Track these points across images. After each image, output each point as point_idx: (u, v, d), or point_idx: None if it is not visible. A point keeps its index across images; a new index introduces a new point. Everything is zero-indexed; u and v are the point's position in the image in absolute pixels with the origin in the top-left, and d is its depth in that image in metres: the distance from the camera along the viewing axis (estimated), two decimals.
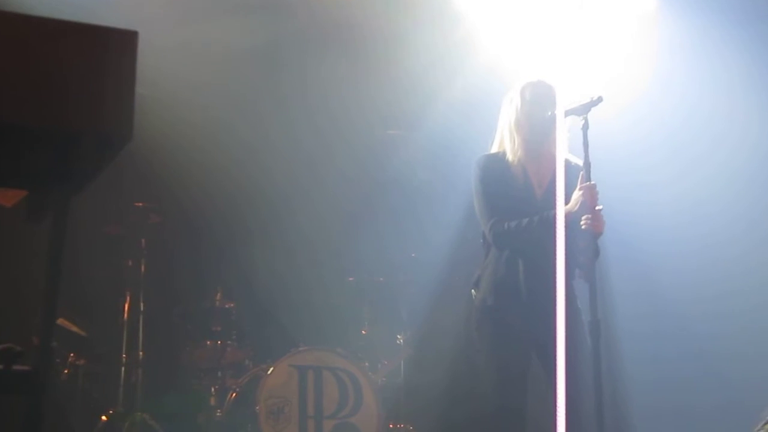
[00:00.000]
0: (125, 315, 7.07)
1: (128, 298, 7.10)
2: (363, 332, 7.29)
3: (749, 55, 7.06)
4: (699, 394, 7.06)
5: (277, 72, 7.82)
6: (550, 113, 4.82)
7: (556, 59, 5.78)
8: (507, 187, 4.98)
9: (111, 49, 2.02)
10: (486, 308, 4.99)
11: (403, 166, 7.73)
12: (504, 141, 5.08)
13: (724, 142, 7.15)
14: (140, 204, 7.13)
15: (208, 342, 7.09)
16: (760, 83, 7.07)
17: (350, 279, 7.46)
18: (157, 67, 6.38)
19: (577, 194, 4.69)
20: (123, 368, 7.01)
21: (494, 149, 5.14)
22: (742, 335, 6.99)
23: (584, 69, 6.47)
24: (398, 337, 7.28)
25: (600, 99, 4.54)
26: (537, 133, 4.96)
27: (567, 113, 4.69)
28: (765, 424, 4.86)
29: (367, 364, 7.02)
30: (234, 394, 6.81)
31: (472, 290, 5.12)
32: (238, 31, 7.38)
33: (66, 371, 6.75)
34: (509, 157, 5.01)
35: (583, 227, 4.62)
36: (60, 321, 6.56)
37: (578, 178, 4.70)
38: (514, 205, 4.94)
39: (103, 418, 6.81)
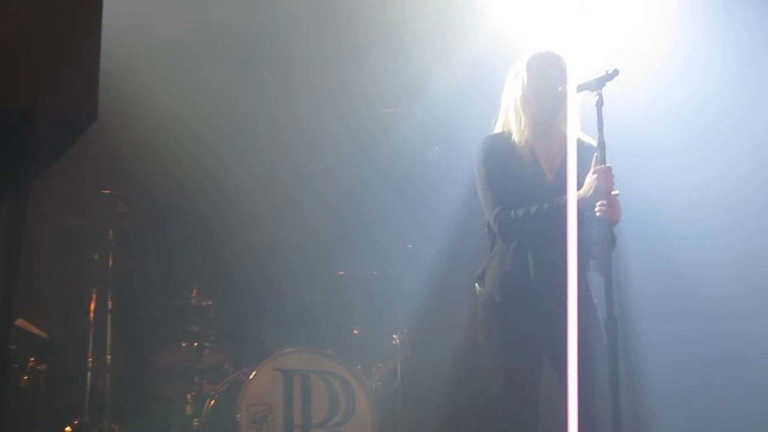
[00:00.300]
0: (91, 315, 7.07)
1: (94, 296, 7.10)
2: (355, 332, 7.31)
3: None
4: (729, 403, 7.05)
5: (256, 51, 7.82)
6: (560, 88, 4.81)
7: (568, 27, 5.77)
8: (514, 170, 4.95)
9: (72, 15, 2.00)
10: (492, 305, 4.97)
11: (402, 145, 7.72)
12: (509, 120, 5.06)
13: (758, 115, 7.14)
14: (107, 191, 7.13)
15: (184, 344, 7.11)
16: None
17: (341, 273, 7.47)
18: (126, 40, 6.38)
19: (590, 178, 4.68)
20: (89, 374, 7.01)
21: (498, 129, 5.12)
22: None
23: (598, 38, 6.48)
24: (394, 337, 7.28)
25: (616, 72, 4.53)
26: (546, 111, 4.94)
27: (579, 88, 4.67)
28: None
29: (359, 367, 7.03)
30: (212, 402, 6.82)
31: (477, 285, 5.10)
32: (216, 5, 7.39)
33: (26, 377, 6.74)
34: (515, 137, 4.99)
35: (597, 214, 4.61)
36: (18, 322, 6.56)
37: (592, 160, 4.69)
38: (522, 191, 4.91)
39: (68, 429, 6.82)
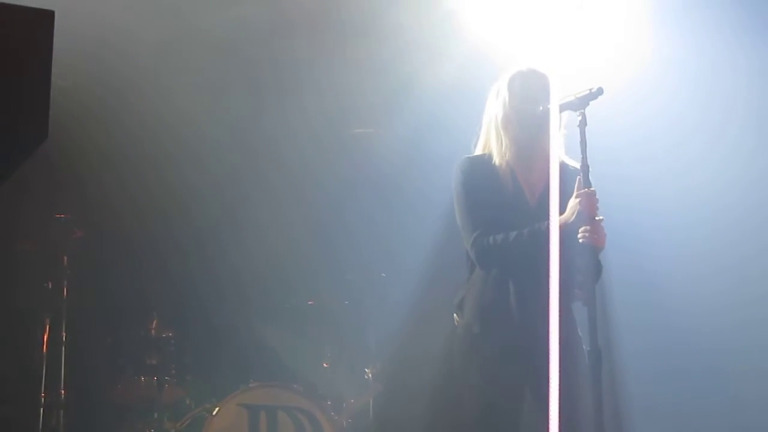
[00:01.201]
0: (44, 347, 7.03)
1: (47, 327, 7.06)
2: (324, 365, 7.28)
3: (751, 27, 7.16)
4: (714, 421, 7.13)
5: (224, 65, 7.81)
6: (542, 108, 4.82)
7: (551, 44, 5.79)
8: (494, 194, 4.95)
9: (23, 30, 2.00)
10: (471, 336, 4.96)
11: (374, 169, 7.73)
12: (490, 141, 5.07)
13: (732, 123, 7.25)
14: (61, 215, 7.09)
15: (142, 378, 7.06)
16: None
17: (309, 303, 7.45)
18: (81, 54, 6.36)
19: (573, 202, 4.68)
20: (41, 410, 6.96)
21: (479, 150, 5.13)
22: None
23: (581, 56, 6.51)
24: (366, 370, 7.28)
25: (600, 91, 4.55)
26: (528, 132, 4.95)
27: (561, 108, 4.68)
28: None
29: (329, 402, 7.01)
30: None
31: (455, 315, 5.10)
32: (178, 16, 7.38)
33: None
34: (496, 159, 4.99)
35: (580, 240, 4.62)
36: None
37: (575, 183, 4.69)
38: (503, 216, 4.91)
39: None
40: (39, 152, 2.10)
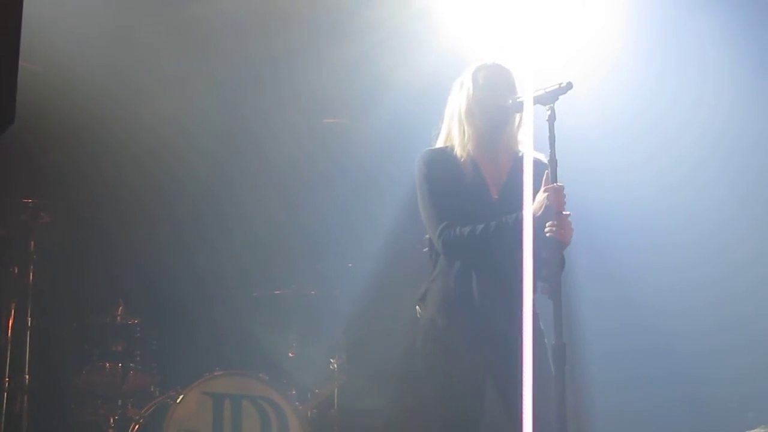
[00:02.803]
0: (8, 332, 7.00)
1: (13, 312, 7.03)
2: (290, 355, 7.29)
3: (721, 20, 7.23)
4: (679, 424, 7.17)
5: (197, 51, 7.79)
6: (510, 101, 4.83)
7: (524, 38, 5.80)
8: (456, 186, 4.94)
9: None
10: (434, 329, 4.95)
11: (345, 159, 7.73)
12: (452, 133, 5.05)
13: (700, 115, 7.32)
14: (28, 200, 7.06)
15: (107, 364, 7.05)
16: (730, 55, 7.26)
17: (276, 292, 7.45)
18: (50, 38, 6.34)
19: (541, 196, 4.68)
20: (5, 395, 6.94)
21: (440, 143, 5.12)
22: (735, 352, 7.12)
23: (551, 51, 6.55)
24: (331, 361, 7.28)
25: (570, 85, 4.55)
26: (491, 124, 4.95)
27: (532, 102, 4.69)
28: None
29: (294, 392, 7.02)
30: (137, 426, 6.77)
31: (417, 307, 5.10)
32: (154, 9, 7.37)
33: None
34: (458, 151, 4.98)
35: (547, 234, 4.63)
36: None
37: (542, 177, 4.70)
38: (465, 208, 4.90)
39: None
40: (5, 136, 2.09)
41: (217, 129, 7.87)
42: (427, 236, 5.04)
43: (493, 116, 4.93)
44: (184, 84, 7.69)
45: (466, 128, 4.98)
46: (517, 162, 4.91)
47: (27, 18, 2.09)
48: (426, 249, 5.10)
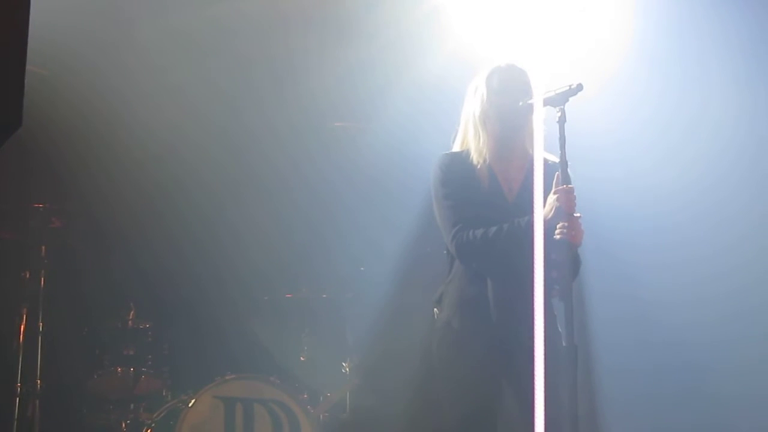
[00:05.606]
0: (21, 337, 7.01)
1: (24, 317, 7.05)
2: (302, 358, 7.29)
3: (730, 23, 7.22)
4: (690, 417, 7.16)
5: (206, 55, 7.79)
6: (521, 103, 4.82)
7: (533, 41, 5.79)
8: (472, 192, 4.93)
9: None
10: (450, 331, 4.95)
11: (358, 162, 7.73)
12: (468, 137, 5.05)
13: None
14: (40, 205, 7.07)
15: (119, 369, 7.06)
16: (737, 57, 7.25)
17: (288, 296, 7.44)
18: (57, 41, 6.34)
19: (551, 198, 4.67)
20: (17, 400, 6.95)
21: (456, 147, 5.12)
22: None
23: (561, 53, 6.53)
24: (343, 364, 7.28)
25: (580, 87, 4.54)
26: (506, 127, 4.95)
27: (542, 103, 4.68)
28: None
29: (306, 396, 7.01)
30: (149, 430, 6.77)
31: (435, 309, 5.10)
32: (159, 14, 7.37)
33: None
34: (474, 156, 4.97)
35: (557, 237, 4.61)
36: None
37: (553, 179, 4.69)
38: (481, 213, 4.89)
39: None
40: (13, 141, 2.08)
41: (226, 134, 7.86)
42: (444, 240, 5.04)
43: (509, 120, 4.91)
44: (192, 89, 7.69)
45: (481, 133, 4.97)
46: (532, 165, 4.89)
47: (34, 22, 2.09)
48: (445, 251, 5.09)
